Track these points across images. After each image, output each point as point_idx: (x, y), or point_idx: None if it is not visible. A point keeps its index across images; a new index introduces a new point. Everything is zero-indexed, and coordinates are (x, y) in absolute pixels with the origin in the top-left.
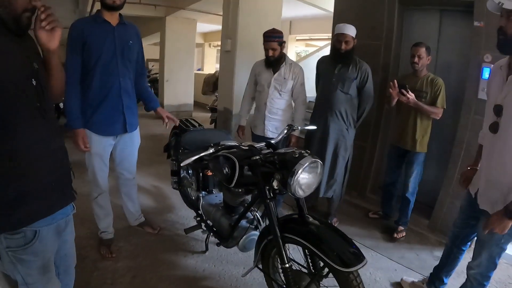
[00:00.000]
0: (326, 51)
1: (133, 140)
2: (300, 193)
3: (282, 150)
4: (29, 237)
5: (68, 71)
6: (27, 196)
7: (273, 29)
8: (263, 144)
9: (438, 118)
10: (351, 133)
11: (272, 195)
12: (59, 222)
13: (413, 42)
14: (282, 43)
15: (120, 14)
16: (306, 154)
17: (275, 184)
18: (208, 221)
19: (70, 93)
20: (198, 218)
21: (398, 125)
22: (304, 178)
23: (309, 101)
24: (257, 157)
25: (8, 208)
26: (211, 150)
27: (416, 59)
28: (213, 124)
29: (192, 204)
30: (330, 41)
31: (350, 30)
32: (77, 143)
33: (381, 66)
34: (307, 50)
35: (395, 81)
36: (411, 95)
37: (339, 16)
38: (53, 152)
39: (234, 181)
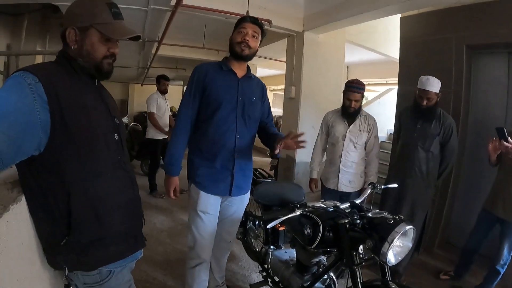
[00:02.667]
0: (387, 97)
1: (243, 199)
2: (392, 261)
3: (371, 214)
4: (104, 274)
5: (181, 115)
6: (103, 241)
7: (357, 80)
8: (347, 204)
9: None
10: (430, 191)
11: (358, 261)
12: (130, 264)
13: (482, 87)
14: (363, 96)
15: (248, 66)
16: (400, 220)
17: (362, 249)
18: (276, 278)
19: (177, 138)
20: (264, 273)
21: (493, 186)
22: (399, 246)
23: None
24: (345, 221)
25: (85, 250)
26: (298, 212)
27: None
28: (273, 170)
29: (257, 257)
30: (389, 86)
31: (434, 86)
32: (168, 189)
33: (451, 114)
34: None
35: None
36: (511, 143)
37: (405, 62)
38: (129, 201)
39: (316, 243)
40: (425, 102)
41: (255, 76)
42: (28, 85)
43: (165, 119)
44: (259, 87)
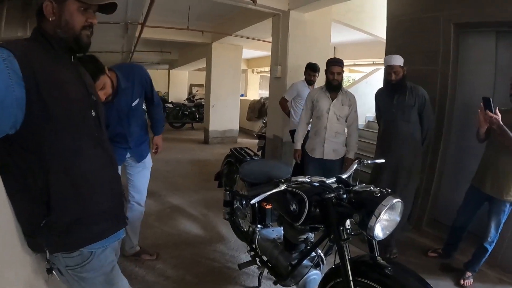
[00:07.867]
0: (374, 77)
1: (145, 162)
2: (380, 236)
3: (357, 188)
4: (86, 255)
5: None
6: (84, 220)
7: (336, 57)
8: (334, 179)
9: None
10: (418, 159)
11: (345, 236)
12: (112, 244)
13: (469, 65)
14: (343, 71)
15: None
16: (387, 193)
17: (350, 224)
18: (264, 257)
19: None
20: (252, 253)
21: (481, 163)
22: (386, 220)
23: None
24: (331, 195)
25: (65, 230)
26: (283, 187)
27: None
28: (260, 151)
29: (245, 237)
30: (376, 67)
31: (397, 60)
32: None
33: (438, 92)
34: (350, 75)
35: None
36: (496, 115)
37: (392, 41)
38: (110, 180)
39: (302, 219)
40: (393, 77)
41: None
42: (3, 60)
43: None
44: None
